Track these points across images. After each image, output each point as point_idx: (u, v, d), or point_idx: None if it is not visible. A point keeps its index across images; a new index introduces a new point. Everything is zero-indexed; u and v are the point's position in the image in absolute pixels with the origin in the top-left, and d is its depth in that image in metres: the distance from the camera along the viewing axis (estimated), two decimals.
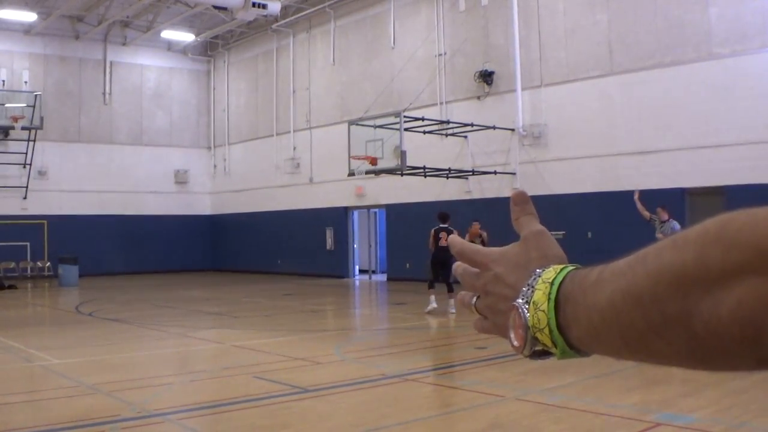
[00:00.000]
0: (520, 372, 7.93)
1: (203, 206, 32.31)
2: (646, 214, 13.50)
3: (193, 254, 31.17)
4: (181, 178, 31.50)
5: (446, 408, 6.29)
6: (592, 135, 18.38)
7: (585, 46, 18.56)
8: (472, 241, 11.59)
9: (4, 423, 5.98)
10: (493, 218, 20.64)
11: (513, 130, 19.81)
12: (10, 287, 22.47)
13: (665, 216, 13.14)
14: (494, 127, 19.63)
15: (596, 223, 18.16)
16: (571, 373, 7.83)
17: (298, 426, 5.94)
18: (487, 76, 20.51)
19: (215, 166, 32.32)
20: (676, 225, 12.96)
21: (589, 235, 18.03)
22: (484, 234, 14.78)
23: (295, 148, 27.70)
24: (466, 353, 9.06)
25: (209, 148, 32.52)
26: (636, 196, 13.83)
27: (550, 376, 7.78)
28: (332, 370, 8.40)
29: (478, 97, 20.90)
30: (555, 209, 18.84)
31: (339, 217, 25.72)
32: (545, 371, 8.06)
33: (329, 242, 25.83)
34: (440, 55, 22.03)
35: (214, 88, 32.30)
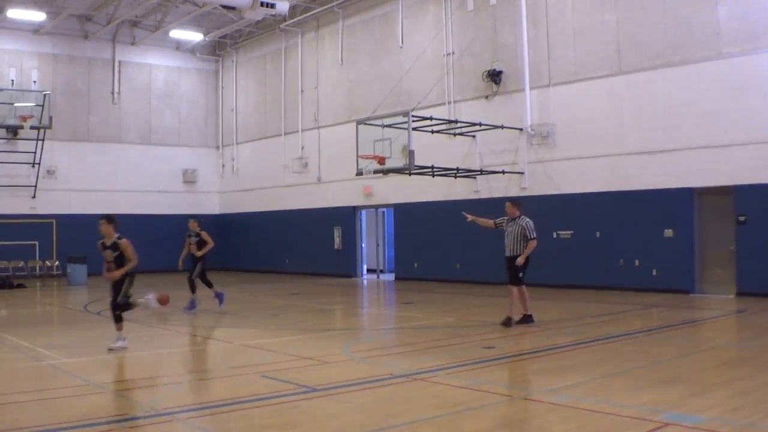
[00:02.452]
0: (528, 372, 7.91)
1: (211, 205, 32.39)
2: (489, 222, 12.43)
3: None
4: (189, 178, 31.60)
5: (454, 408, 6.29)
6: (600, 134, 18.33)
7: (593, 46, 18.51)
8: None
9: (14, 421, 6.01)
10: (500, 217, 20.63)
11: (521, 129, 19.77)
12: (19, 286, 22.57)
13: (516, 212, 11.98)
14: (502, 127, 19.59)
15: (604, 223, 18.09)
16: (579, 373, 7.80)
17: (306, 425, 5.95)
18: (495, 76, 20.49)
19: (223, 166, 32.41)
20: (530, 222, 11.85)
21: (598, 234, 17.95)
22: (203, 233, 15.14)
23: (303, 148, 27.74)
24: (474, 353, 9.05)
25: (217, 147, 32.61)
26: (469, 219, 12.66)
27: (558, 375, 7.75)
28: (340, 370, 8.40)
29: (487, 97, 20.87)
30: (563, 209, 18.79)
31: (347, 216, 25.74)
32: (553, 371, 8.04)
33: (337, 241, 25.85)
34: (448, 54, 22.01)
35: (222, 88, 32.38)
